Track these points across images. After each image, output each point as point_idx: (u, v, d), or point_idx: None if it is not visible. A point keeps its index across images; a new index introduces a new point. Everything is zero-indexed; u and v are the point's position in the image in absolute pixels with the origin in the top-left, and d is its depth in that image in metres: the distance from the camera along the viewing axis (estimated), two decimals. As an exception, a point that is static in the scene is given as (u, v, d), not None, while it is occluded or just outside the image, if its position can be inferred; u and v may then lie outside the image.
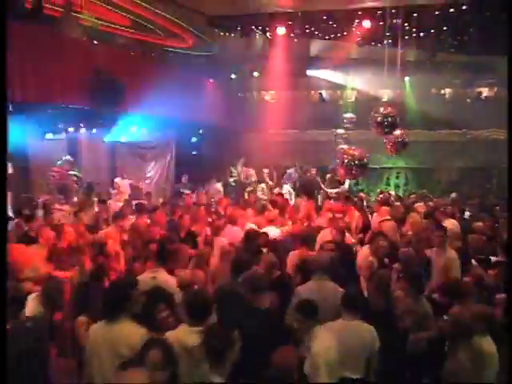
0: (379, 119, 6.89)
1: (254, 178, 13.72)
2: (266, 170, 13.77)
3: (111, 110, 9.00)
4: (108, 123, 10.57)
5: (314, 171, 12.26)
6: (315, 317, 3.19)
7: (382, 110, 7.14)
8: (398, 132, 7.32)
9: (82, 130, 11.10)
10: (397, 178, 16.61)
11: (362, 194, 10.27)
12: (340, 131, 12.09)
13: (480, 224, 7.23)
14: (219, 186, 12.83)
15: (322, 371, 2.94)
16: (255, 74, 16.23)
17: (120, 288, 3.20)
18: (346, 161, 7.19)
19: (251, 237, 5.24)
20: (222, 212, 8.02)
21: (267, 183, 12.86)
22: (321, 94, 16.73)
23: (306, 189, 10.44)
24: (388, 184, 16.39)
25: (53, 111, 9.24)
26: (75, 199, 9.26)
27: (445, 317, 3.72)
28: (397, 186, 16.41)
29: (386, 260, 5.24)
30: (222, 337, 2.67)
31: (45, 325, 3.17)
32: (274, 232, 5.85)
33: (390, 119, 6.84)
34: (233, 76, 15.86)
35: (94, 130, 11.30)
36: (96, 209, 8.61)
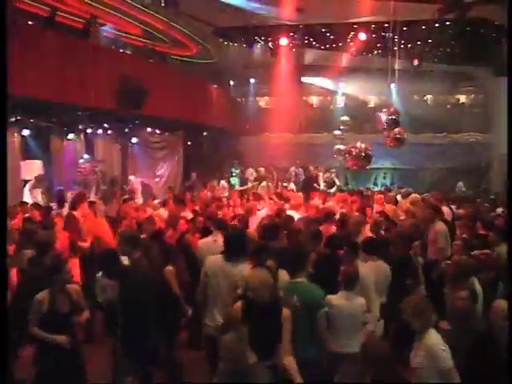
0: (384, 117, 8.04)
1: (253, 177, 14.75)
2: (262, 169, 14.76)
3: (135, 113, 9.89)
4: (126, 124, 11.46)
5: (313, 169, 13.36)
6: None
7: (385, 110, 8.31)
8: (397, 129, 8.48)
9: (99, 131, 11.93)
10: (384, 177, 17.88)
11: (361, 188, 11.46)
12: (337, 133, 13.22)
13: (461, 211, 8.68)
14: (224, 183, 13.81)
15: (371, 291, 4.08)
16: (252, 80, 17.35)
17: (241, 237, 4.28)
18: (354, 153, 8.30)
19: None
20: (232, 204, 9.18)
21: (269, 181, 13.86)
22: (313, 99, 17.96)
23: (306, 184, 11.54)
24: (375, 184, 17.50)
25: (76, 112, 10.12)
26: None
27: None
28: (384, 186, 17.66)
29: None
30: None
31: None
32: (297, 216, 6.91)
33: (393, 117, 8.00)
34: (232, 82, 16.91)
35: (109, 131, 12.15)
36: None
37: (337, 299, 3.82)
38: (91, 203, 7.05)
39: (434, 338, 3.05)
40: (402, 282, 4.54)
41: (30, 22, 9.45)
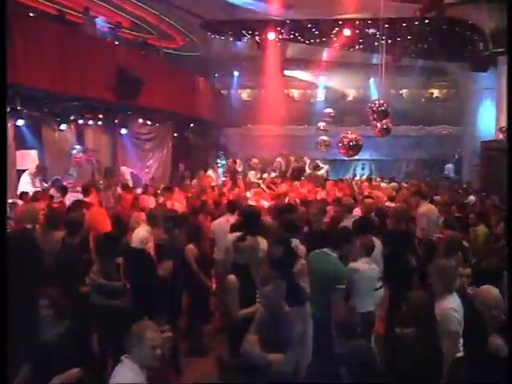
0: (374, 108, 8.62)
1: (241, 168, 15.16)
2: (256, 160, 15.18)
3: (131, 103, 10.13)
4: (118, 115, 11.66)
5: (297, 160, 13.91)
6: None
7: (377, 102, 8.89)
8: (385, 120, 9.09)
9: (90, 122, 12.07)
10: (362, 168, 18.63)
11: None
12: (321, 124, 13.77)
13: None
14: (210, 173, 14.17)
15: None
16: (235, 73, 17.70)
17: (255, 213, 4.72)
18: (345, 142, 8.87)
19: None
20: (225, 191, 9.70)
21: (255, 171, 14.31)
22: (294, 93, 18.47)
23: (296, 173, 12.10)
24: (354, 174, 18.19)
25: (69, 103, 10.28)
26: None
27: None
28: (362, 176, 18.39)
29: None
30: None
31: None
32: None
33: (382, 109, 8.59)
34: (216, 75, 17.22)
35: (100, 122, 12.31)
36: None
37: (359, 265, 4.35)
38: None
39: (450, 302, 3.44)
40: (401, 256, 5.08)
41: (24, 13, 9.53)
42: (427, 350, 3.15)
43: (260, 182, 11.46)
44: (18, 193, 9.01)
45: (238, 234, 4.74)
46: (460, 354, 3.43)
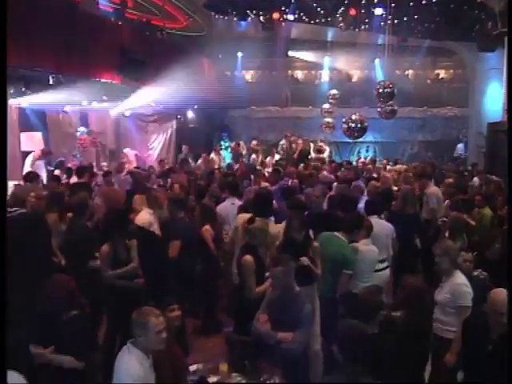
0: (381, 90, 8.53)
1: (244, 151, 15.12)
2: (255, 142, 15.13)
3: (135, 84, 10.07)
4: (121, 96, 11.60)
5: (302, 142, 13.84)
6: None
7: (383, 83, 8.80)
8: (391, 102, 9.00)
9: (94, 104, 12.02)
10: (366, 151, 18.54)
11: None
12: (326, 106, 13.66)
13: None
14: (213, 155, 14.15)
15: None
16: (239, 54, 17.49)
17: (268, 195, 4.81)
18: (350, 124, 8.81)
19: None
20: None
21: (258, 153, 14.27)
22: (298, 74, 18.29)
23: (301, 157, 12.07)
24: (359, 156, 18.13)
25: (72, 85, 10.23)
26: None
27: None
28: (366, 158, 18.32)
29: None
30: None
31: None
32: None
33: (389, 90, 8.51)
34: (220, 56, 17.02)
35: (105, 104, 12.25)
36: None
37: (359, 246, 4.38)
38: (106, 173, 7.36)
39: (460, 277, 3.57)
40: (408, 237, 5.11)
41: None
42: (412, 336, 3.16)
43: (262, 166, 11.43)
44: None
45: (245, 215, 4.78)
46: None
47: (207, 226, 5.13)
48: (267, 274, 3.82)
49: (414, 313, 3.31)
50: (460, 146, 16.78)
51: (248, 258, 3.89)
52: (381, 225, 5.04)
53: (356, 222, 4.50)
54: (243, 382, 3.06)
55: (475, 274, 4.06)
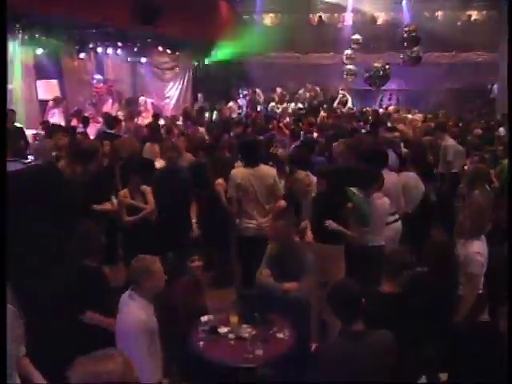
0: (405, 35, 8.06)
1: (261, 99, 14.80)
2: (279, 90, 14.73)
3: (150, 30, 9.77)
4: (136, 43, 11.32)
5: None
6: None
7: (408, 28, 8.29)
8: (416, 48, 8.52)
9: (109, 51, 11.77)
10: (389, 99, 17.88)
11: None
12: (348, 52, 13.08)
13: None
14: (232, 104, 13.89)
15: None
16: (258, -5, 16.70)
17: (256, 144, 4.77)
18: (372, 72, 8.42)
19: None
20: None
21: (276, 102, 13.95)
22: (320, 17, 17.39)
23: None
24: (381, 106, 17.55)
25: (88, 30, 10.00)
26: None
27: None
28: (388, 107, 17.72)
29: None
30: None
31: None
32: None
33: (414, 35, 8.02)
34: (238, -2, 16.29)
35: (119, 51, 11.99)
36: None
37: (374, 200, 4.31)
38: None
39: (476, 246, 3.40)
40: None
41: None
42: (441, 290, 3.13)
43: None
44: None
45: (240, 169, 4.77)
46: (480, 291, 3.45)
47: (220, 180, 5.07)
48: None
49: (442, 271, 3.25)
50: (495, 86, 15.94)
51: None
52: (390, 176, 4.93)
53: (374, 177, 4.39)
54: (253, 333, 3.12)
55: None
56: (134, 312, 2.69)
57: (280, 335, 3.14)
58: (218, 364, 2.95)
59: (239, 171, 4.68)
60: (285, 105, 13.18)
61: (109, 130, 7.24)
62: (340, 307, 2.36)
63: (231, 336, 3.12)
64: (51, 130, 7.31)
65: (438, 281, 3.17)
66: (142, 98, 12.35)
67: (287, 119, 10.61)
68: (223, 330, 3.17)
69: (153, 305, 2.80)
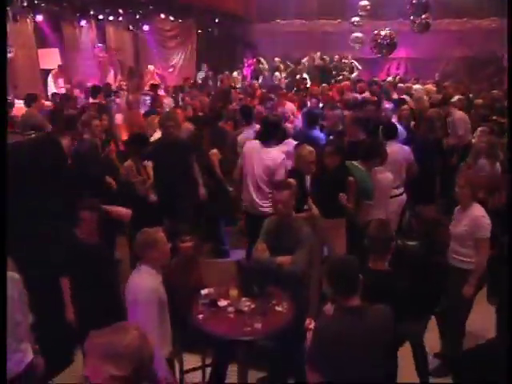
0: (414, 1, 7.78)
1: (266, 68, 14.51)
2: (277, 59, 14.46)
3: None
4: (137, 10, 11.05)
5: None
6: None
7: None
8: (425, 14, 8.25)
9: (110, 18, 11.53)
10: (397, 68, 17.46)
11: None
12: (355, 19, 12.70)
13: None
14: (236, 74, 13.66)
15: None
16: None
17: (274, 123, 4.66)
18: (379, 40, 8.19)
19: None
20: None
21: (281, 71, 13.68)
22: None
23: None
24: (388, 74, 17.14)
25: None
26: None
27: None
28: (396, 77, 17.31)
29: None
30: None
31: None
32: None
33: (423, 1, 7.73)
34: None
35: (121, 18, 11.74)
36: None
37: (376, 173, 4.26)
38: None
39: (479, 209, 3.44)
40: (430, 162, 4.92)
41: None
42: (428, 268, 3.11)
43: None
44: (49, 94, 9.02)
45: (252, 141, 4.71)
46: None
47: (214, 150, 5.06)
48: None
49: (430, 244, 3.24)
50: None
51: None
52: (396, 149, 4.85)
53: (376, 150, 4.32)
54: (252, 306, 3.14)
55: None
56: (144, 281, 2.72)
57: (279, 308, 3.16)
58: (218, 337, 2.98)
59: (251, 144, 4.66)
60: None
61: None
62: (338, 281, 2.34)
63: (230, 309, 3.13)
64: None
65: (427, 255, 3.15)
66: (150, 67, 12.15)
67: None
68: (223, 303, 3.18)
69: (161, 275, 2.82)
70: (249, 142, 4.75)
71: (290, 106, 7.72)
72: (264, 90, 9.79)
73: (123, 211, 3.84)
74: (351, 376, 2.25)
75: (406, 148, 5.04)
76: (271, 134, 4.56)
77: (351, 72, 12.55)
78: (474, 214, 3.41)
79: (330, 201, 4.06)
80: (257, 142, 4.65)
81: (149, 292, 2.69)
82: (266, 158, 4.44)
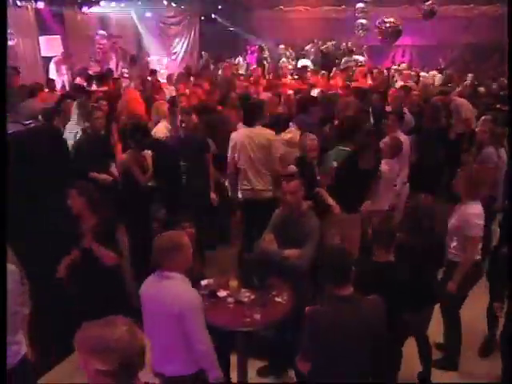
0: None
1: (267, 55, 14.37)
2: (282, 46, 14.31)
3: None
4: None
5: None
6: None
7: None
8: (430, 1, 8.11)
9: (112, 4, 11.42)
10: (402, 55, 17.23)
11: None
12: (360, 6, 12.51)
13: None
14: (240, 60, 13.54)
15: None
16: None
17: (256, 104, 4.72)
18: (384, 27, 8.07)
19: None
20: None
21: (288, 58, 13.54)
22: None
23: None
24: (393, 62, 16.93)
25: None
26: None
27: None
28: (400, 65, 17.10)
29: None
30: None
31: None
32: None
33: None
34: None
35: (123, 5, 11.62)
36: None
37: (382, 166, 4.25)
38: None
39: (474, 208, 3.36)
40: (433, 151, 4.88)
41: None
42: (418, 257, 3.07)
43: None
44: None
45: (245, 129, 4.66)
46: (478, 257, 3.43)
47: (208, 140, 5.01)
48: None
49: (421, 235, 3.21)
50: None
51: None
52: (402, 140, 4.80)
53: (351, 131, 4.34)
54: (252, 297, 3.14)
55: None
56: (188, 292, 2.55)
57: (278, 299, 3.16)
58: (218, 327, 2.98)
59: (237, 132, 4.64)
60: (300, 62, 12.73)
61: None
62: (329, 270, 2.33)
63: (230, 300, 3.14)
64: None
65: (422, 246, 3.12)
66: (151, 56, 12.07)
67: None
68: (222, 293, 3.19)
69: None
70: (235, 132, 4.71)
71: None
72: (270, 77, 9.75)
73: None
74: (343, 364, 2.25)
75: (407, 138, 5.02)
76: (256, 115, 4.58)
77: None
78: (466, 211, 3.36)
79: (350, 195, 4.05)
80: (242, 127, 4.65)
81: (198, 301, 2.54)
82: (256, 137, 4.47)
